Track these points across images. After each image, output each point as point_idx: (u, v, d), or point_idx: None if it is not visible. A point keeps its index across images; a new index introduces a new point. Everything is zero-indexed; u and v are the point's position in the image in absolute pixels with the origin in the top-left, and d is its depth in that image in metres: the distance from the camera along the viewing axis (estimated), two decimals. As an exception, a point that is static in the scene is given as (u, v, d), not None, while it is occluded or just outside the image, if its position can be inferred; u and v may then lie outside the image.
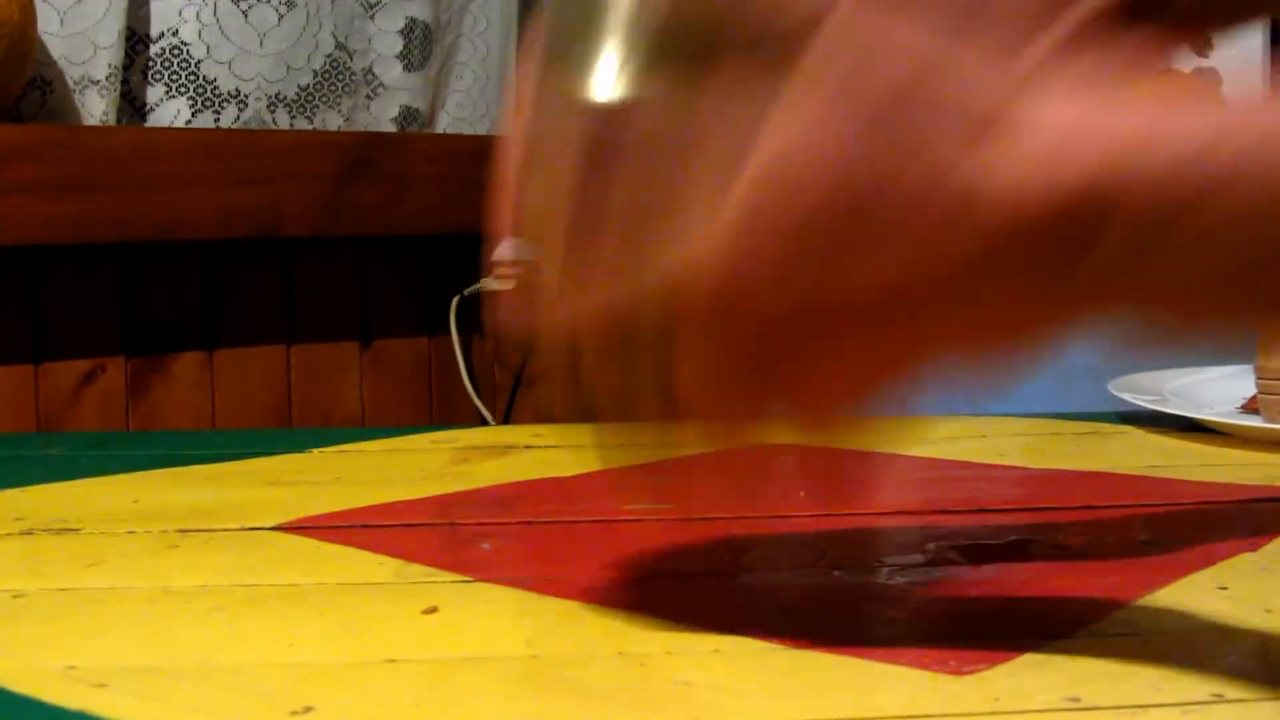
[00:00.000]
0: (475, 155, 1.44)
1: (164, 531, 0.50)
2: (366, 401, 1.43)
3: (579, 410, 0.35)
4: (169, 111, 1.29)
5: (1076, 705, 0.32)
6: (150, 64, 1.29)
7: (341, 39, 1.40)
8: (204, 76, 1.30)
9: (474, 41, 1.54)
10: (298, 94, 1.37)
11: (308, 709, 0.32)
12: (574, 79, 0.32)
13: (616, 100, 0.31)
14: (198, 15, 1.29)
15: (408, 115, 1.47)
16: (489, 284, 1.46)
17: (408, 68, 1.47)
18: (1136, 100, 0.28)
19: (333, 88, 1.40)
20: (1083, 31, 0.29)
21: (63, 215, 1.16)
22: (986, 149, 0.28)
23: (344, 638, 0.38)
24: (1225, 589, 0.42)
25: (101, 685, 0.34)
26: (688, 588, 0.44)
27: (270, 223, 1.29)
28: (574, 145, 0.31)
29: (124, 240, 1.23)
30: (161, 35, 1.29)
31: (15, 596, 0.42)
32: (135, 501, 0.56)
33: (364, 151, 1.36)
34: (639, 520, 0.52)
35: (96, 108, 1.23)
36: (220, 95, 1.31)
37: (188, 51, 1.30)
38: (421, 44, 1.47)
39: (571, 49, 0.32)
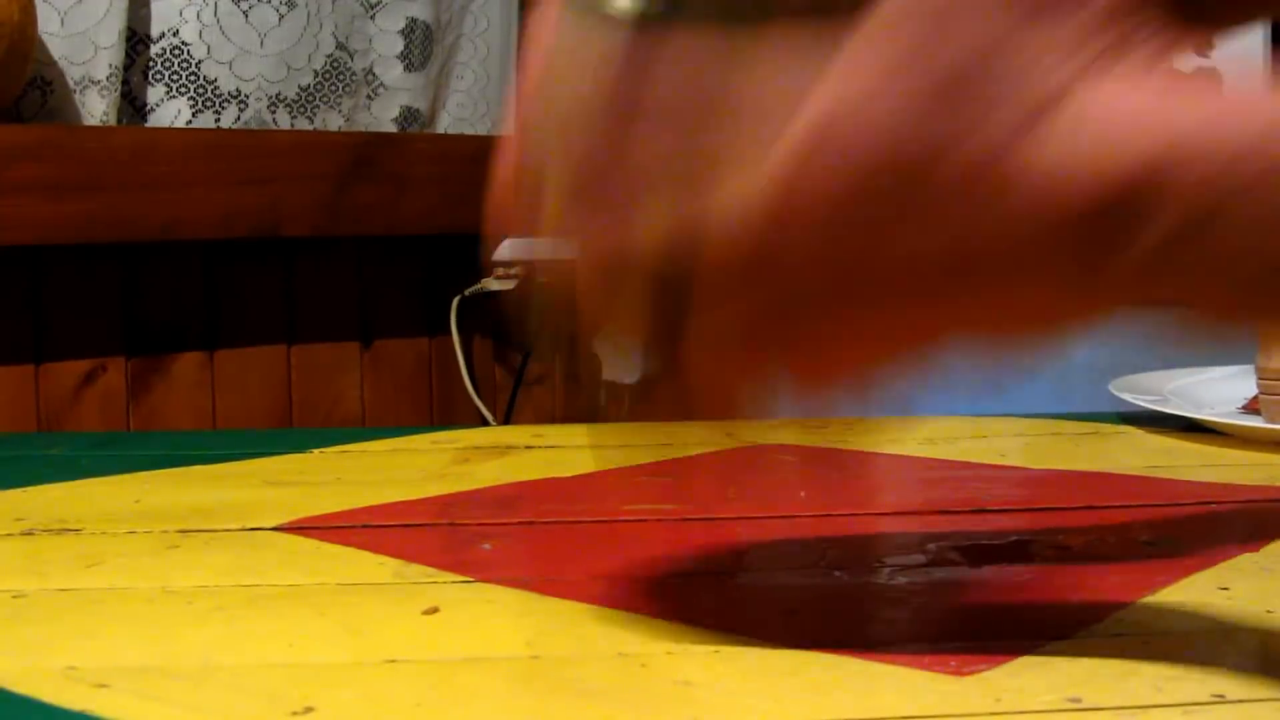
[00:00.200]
0: (476, 155, 1.44)
1: (164, 531, 0.50)
2: (367, 402, 1.43)
3: (572, 358, 0.34)
4: (169, 112, 1.30)
5: (1077, 705, 0.32)
6: (151, 64, 1.29)
7: (342, 39, 1.40)
8: (204, 77, 1.30)
9: (474, 42, 1.54)
10: (298, 94, 1.37)
11: (308, 709, 0.32)
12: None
13: (657, 21, 0.29)
14: (198, 15, 1.29)
15: (408, 115, 1.47)
16: (489, 284, 1.46)
17: (408, 68, 1.47)
18: (1195, 89, 0.28)
19: (333, 88, 1.40)
20: (1144, 21, 0.29)
21: (63, 215, 1.17)
22: (1045, 130, 0.28)
23: (344, 638, 0.38)
24: (1226, 589, 0.42)
25: (101, 685, 0.34)
26: (688, 588, 0.44)
27: (270, 223, 1.29)
28: (605, 66, 0.30)
29: (124, 240, 1.23)
30: (162, 35, 1.29)
31: (15, 596, 0.42)
32: (136, 501, 0.56)
33: (364, 151, 1.36)
34: (639, 520, 0.53)
35: (97, 108, 1.23)
36: (221, 95, 1.31)
37: (188, 52, 1.30)
38: (422, 44, 1.47)
39: None
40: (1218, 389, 0.78)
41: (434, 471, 0.63)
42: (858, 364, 0.32)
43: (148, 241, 1.24)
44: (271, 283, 1.36)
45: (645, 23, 0.30)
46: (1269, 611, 0.40)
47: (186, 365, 1.30)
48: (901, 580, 0.44)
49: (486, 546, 0.49)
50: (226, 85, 1.32)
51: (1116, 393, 0.74)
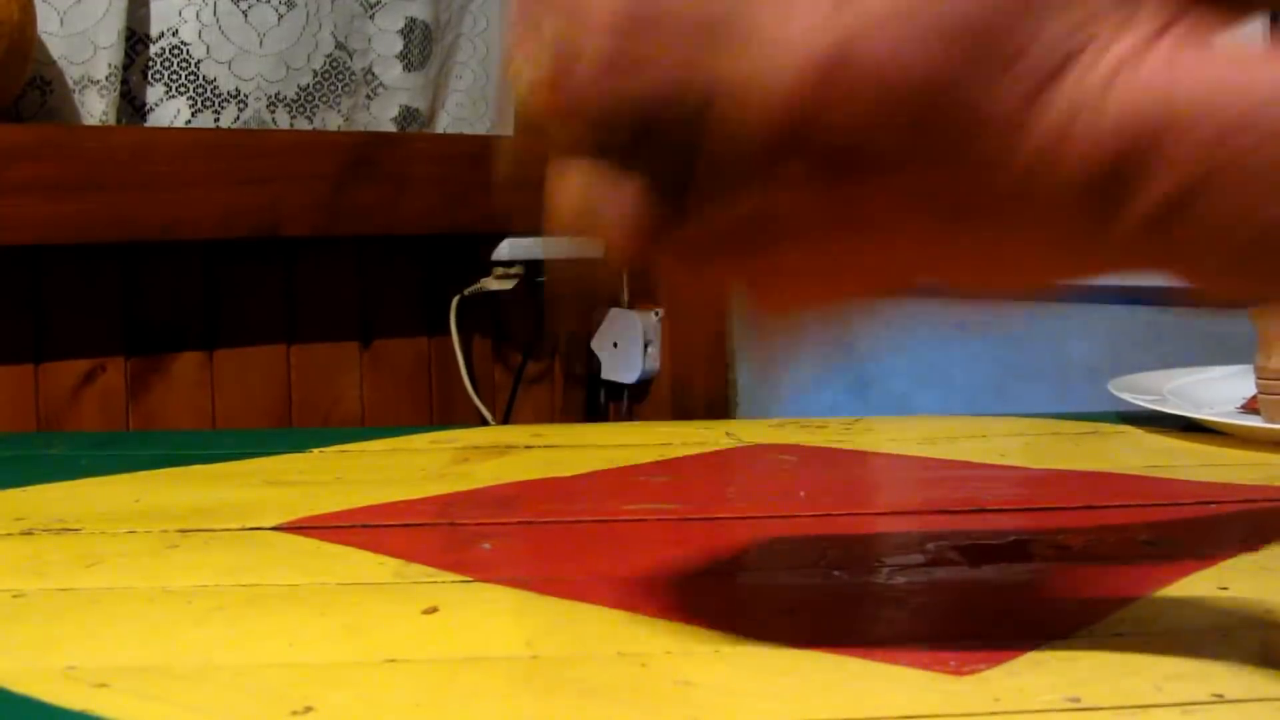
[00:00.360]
0: (475, 155, 1.45)
1: (164, 531, 0.50)
2: (366, 401, 1.43)
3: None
4: (169, 111, 1.30)
5: (1076, 705, 0.32)
6: (150, 64, 1.29)
7: (341, 39, 1.40)
8: (204, 76, 1.30)
9: (474, 41, 1.54)
10: (298, 94, 1.37)
11: (308, 709, 0.32)
12: None
13: None
14: (198, 15, 1.29)
15: (407, 115, 1.47)
16: (488, 284, 1.46)
17: (408, 68, 1.47)
18: (1199, 59, 0.28)
19: (333, 88, 1.40)
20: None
21: (63, 215, 1.17)
22: (1054, 91, 0.28)
23: (344, 638, 0.38)
24: (1226, 589, 0.42)
25: (101, 685, 0.34)
26: (687, 587, 0.44)
27: (270, 223, 1.29)
28: None
29: (124, 240, 1.23)
30: (161, 35, 1.29)
31: (15, 596, 0.42)
32: (135, 501, 0.56)
33: (364, 151, 1.36)
34: (639, 520, 0.53)
35: (96, 108, 1.23)
36: (220, 95, 1.31)
37: (188, 51, 1.30)
38: (421, 44, 1.47)
39: None
40: (1217, 389, 0.78)
41: (433, 471, 0.63)
42: (826, 298, 0.32)
43: (147, 241, 1.24)
44: (271, 282, 1.36)
45: None
46: (1268, 611, 0.40)
47: (186, 365, 1.30)
48: (901, 580, 0.44)
49: (486, 546, 0.49)
50: (226, 85, 1.32)
51: (1116, 393, 0.74)
